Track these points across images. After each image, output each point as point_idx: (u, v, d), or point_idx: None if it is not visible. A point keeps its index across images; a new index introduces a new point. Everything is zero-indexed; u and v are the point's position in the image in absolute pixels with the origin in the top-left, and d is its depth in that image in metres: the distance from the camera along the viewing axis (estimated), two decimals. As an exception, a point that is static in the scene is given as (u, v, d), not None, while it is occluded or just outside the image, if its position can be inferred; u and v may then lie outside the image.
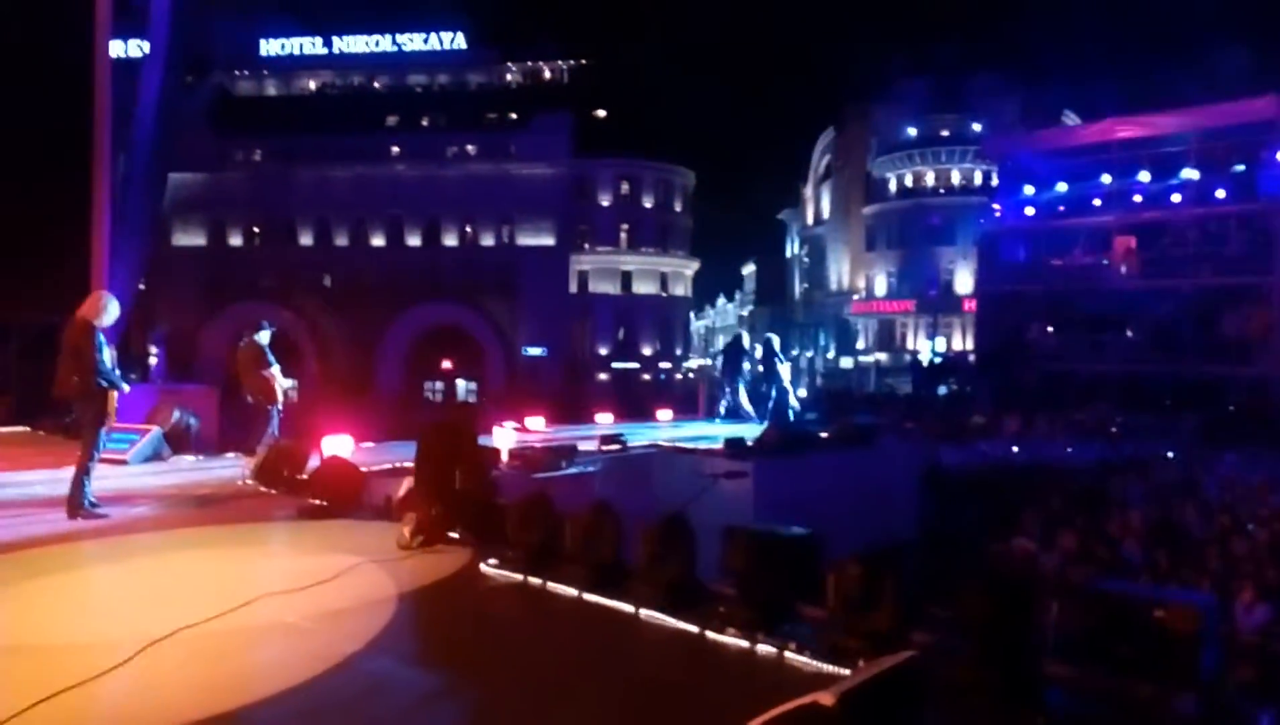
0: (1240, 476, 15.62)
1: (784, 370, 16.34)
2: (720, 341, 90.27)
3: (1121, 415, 22.92)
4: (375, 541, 6.38)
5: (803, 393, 16.27)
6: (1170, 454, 17.69)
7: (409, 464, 8.59)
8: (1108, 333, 29.60)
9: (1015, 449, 18.00)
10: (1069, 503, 12.83)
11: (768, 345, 16.45)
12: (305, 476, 8.38)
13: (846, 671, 3.60)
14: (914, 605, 4.38)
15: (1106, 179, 30.90)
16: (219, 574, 5.76)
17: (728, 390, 16.64)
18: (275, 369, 10.21)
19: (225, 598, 4.92)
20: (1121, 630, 3.86)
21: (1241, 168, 28.89)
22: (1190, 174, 29.55)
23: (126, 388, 7.60)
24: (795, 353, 53.41)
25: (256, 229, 53.13)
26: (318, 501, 7.69)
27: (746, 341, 17.42)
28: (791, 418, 15.62)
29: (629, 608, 4.85)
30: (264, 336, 10.34)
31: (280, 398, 10.15)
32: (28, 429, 13.79)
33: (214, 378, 20.82)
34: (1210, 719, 3.51)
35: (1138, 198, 30.38)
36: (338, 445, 9.45)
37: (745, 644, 4.29)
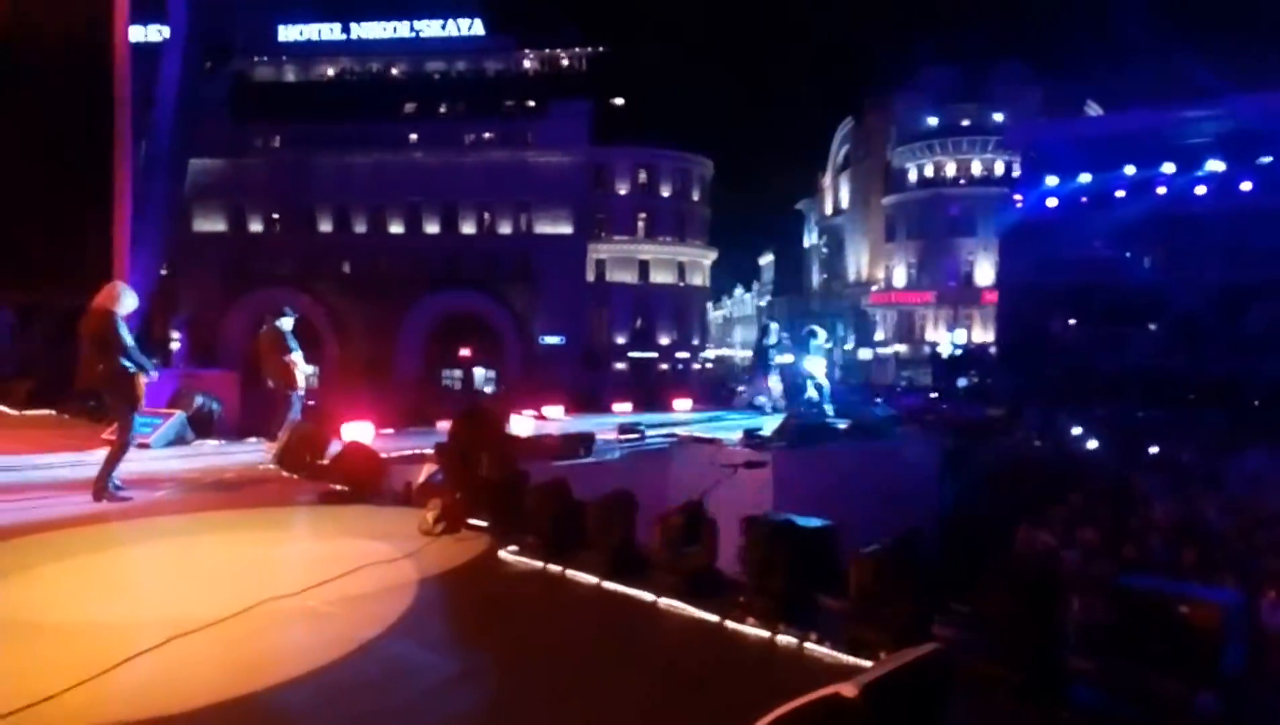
0: (1265, 473, 15.45)
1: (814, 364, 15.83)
2: (738, 333, 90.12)
3: (1144, 410, 22.72)
4: (396, 526, 6.42)
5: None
6: (1194, 450, 17.52)
7: (429, 450, 8.65)
8: (1130, 326, 29.32)
9: (1037, 443, 17.88)
10: (1091, 498, 12.74)
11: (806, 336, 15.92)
12: (326, 461, 8.42)
13: (868, 663, 3.58)
14: (935, 598, 4.36)
15: (1130, 170, 30.55)
16: (242, 558, 5.81)
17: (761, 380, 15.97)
18: (297, 355, 10.25)
19: (248, 582, 4.96)
20: (1145, 626, 3.83)
21: (1268, 160, 28.50)
22: (1215, 166, 29.17)
23: (155, 374, 7.63)
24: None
25: (276, 215, 53.34)
26: (339, 486, 7.74)
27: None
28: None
29: (648, 596, 4.85)
30: (285, 322, 10.38)
31: (302, 383, 10.19)
32: (52, 412, 13.92)
33: (235, 363, 20.95)
34: (1234, 716, 3.48)
35: (1162, 189, 30.02)
36: (358, 431, 9.50)
37: (765, 634, 4.28)
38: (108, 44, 13.91)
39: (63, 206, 13.91)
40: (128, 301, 7.52)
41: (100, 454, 7.59)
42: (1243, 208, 28.44)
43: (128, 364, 7.23)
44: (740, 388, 15.59)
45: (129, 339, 7.34)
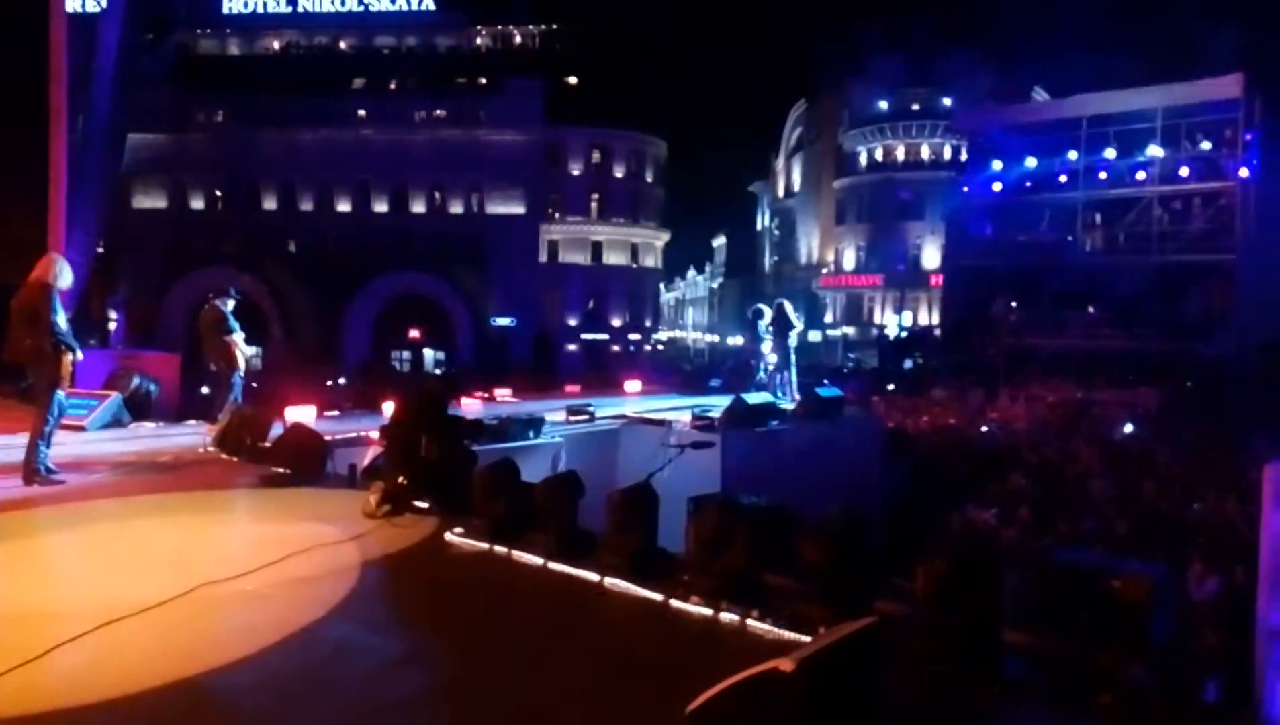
0: (1196, 451, 15.95)
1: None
2: (691, 314, 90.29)
3: (1082, 390, 23.29)
4: (339, 509, 6.34)
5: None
6: (1130, 428, 18.03)
7: (374, 433, 8.56)
8: (1071, 308, 30.00)
9: (979, 423, 18.24)
10: (1029, 475, 13.04)
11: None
12: (268, 444, 8.28)
13: (807, 639, 3.63)
14: (877, 573, 4.44)
15: (1073, 155, 31.16)
16: (179, 542, 5.69)
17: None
18: (238, 336, 10.06)
19: (186, 566, 4.86)
20: (1078, 600, 3.94)
21: (1206, 146, 29.27)
22: (1155, 152, 29.87)
23: (80, 354, 7.44)
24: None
25: (219, 192, 52.05)
26: (280, 469, 7.61)
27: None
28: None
29: (594, 576, 4.87)
30: (227, 302, 10.18)
31: (242, 365, 10.00)
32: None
33: (176, 344, 20.46)
34: (1161, 686, 3.59)
35: (1103, 174, 30.69)
36: (301, 413, 9.35)
37: (709, 612, 4.32)
38: (44, 14, 13.45)
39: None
40: (65, 276, 7.37)
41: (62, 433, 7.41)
42: (1181, 193, 29.20)
43: (56, 342, 7.04)
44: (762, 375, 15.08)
45: (61, 317, 7.15)
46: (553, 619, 4.53)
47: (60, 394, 7.26)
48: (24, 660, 3.56)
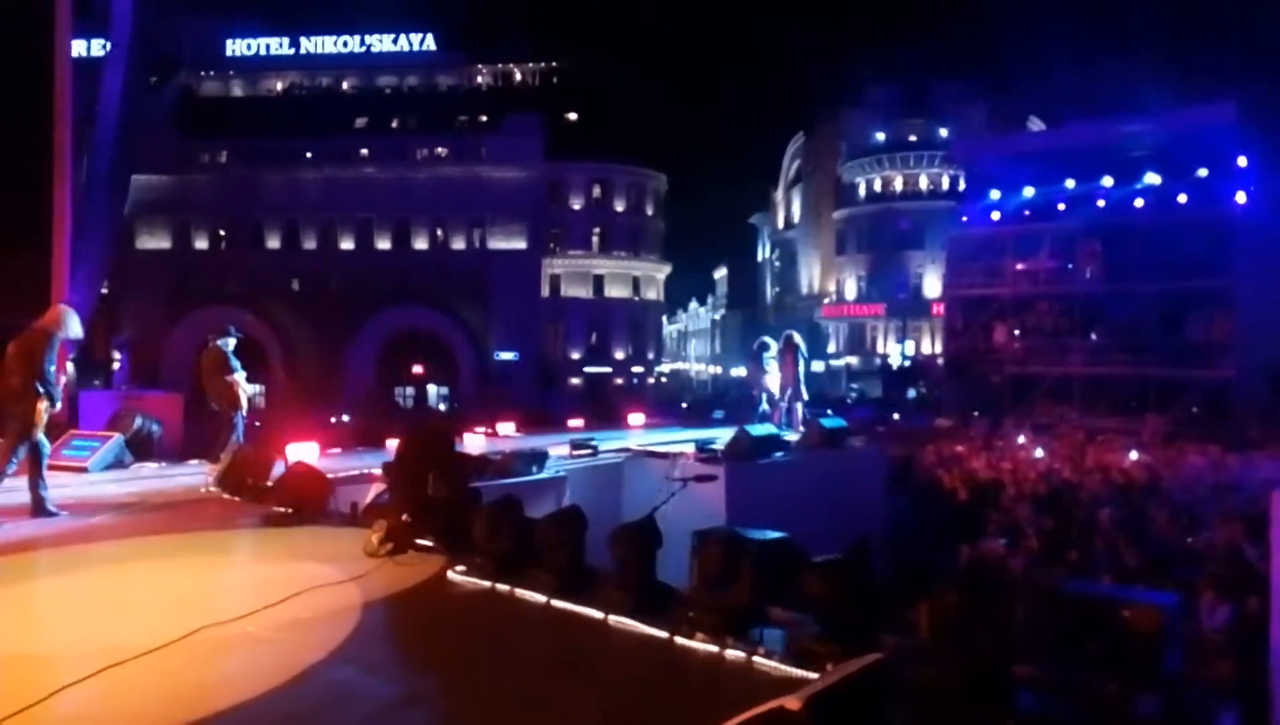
0: (1202, 478, 15.85)
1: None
2: (693, 347, 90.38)
3: (1086, 418, 23.22)
4: (342, 549, 6.30)
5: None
6: (1135, 456, 17.93)
7: (377, 470, 8.53)
8: (1073, 336, 29.94)
9: (984, 451, 18.15)
10: (1037, 504, 12.96)
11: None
12: (270, 483, 8.25)
13: (814, 675, 3.59)
14: (884, 608, 4.40)
15: (1070, 183, 31.28)
16: (180, 584, 5.65)
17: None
18: (240, 375, 10.07)
19: (186, 608, 4.82)
20: (1088, 630, 3.89)
21: (1203, 173, 29.37)
22: (1152, 179, 29.97)
23: (58, 406, 7.48)
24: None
25: (222, 232, 52.40)
26: (282, 509, 7.57)
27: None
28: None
29: (598, 614, 4.82)
30: (228, 342, 10.20)
31: (244, 404, 10.00)
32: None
33: (179, 384, 20.48)
34: (1173, 717, 3.54)
35: (1101, 202, 30.78)
36: (303, 451, 9.32)
37: (714, 649, 4.27)
38: (48, 56, 13.59)
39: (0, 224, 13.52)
40: (73, 328, 7.52)
41: (21, 479, 7.38)
42: (1179, 219, 29.23)
43: (41, 386, 7.08)
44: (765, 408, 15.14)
45: (50, 364, 7.19)
46: (556, 658, 4.48)
47: (41, 439, 7.27)
48: (26, 705, 3.52)
